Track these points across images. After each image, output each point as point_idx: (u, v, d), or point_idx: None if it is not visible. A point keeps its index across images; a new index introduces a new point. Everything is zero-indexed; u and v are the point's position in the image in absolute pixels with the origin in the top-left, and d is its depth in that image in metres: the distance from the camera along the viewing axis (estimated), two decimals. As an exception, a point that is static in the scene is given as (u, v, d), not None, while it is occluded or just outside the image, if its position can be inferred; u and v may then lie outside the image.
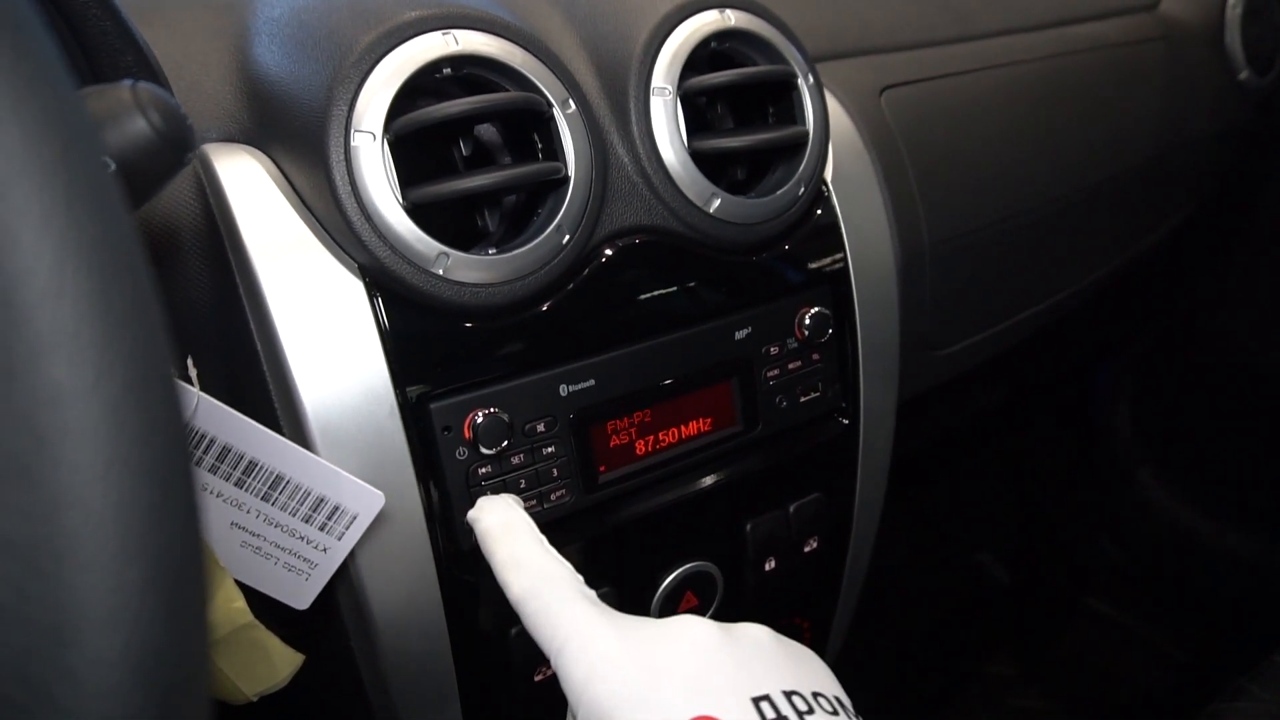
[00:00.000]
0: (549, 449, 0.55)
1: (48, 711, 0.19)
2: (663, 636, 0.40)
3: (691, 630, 0.40)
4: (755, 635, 0.41)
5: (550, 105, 0.52)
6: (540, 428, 0.54)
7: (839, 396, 0.68)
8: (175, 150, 0.35)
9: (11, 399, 0.18)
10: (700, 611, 0.65)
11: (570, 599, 0.41)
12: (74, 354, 0.19)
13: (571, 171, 0.52)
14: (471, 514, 0.47)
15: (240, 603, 0.47)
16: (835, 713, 0.38)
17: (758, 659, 0.40)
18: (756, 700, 0.37)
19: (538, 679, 0.58)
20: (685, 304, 0.60)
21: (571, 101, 0.53)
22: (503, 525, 0.46)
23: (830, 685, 0.40)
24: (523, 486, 0.54)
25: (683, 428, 0.61)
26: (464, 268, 0.50)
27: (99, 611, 0.19)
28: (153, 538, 0.20)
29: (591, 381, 0.56)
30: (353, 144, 0.47)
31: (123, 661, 0.19)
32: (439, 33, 0.49)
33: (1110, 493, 1.60)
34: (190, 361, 0.47)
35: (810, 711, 0.37)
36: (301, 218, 0.50)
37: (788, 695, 0.38)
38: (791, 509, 0.67)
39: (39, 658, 0.19)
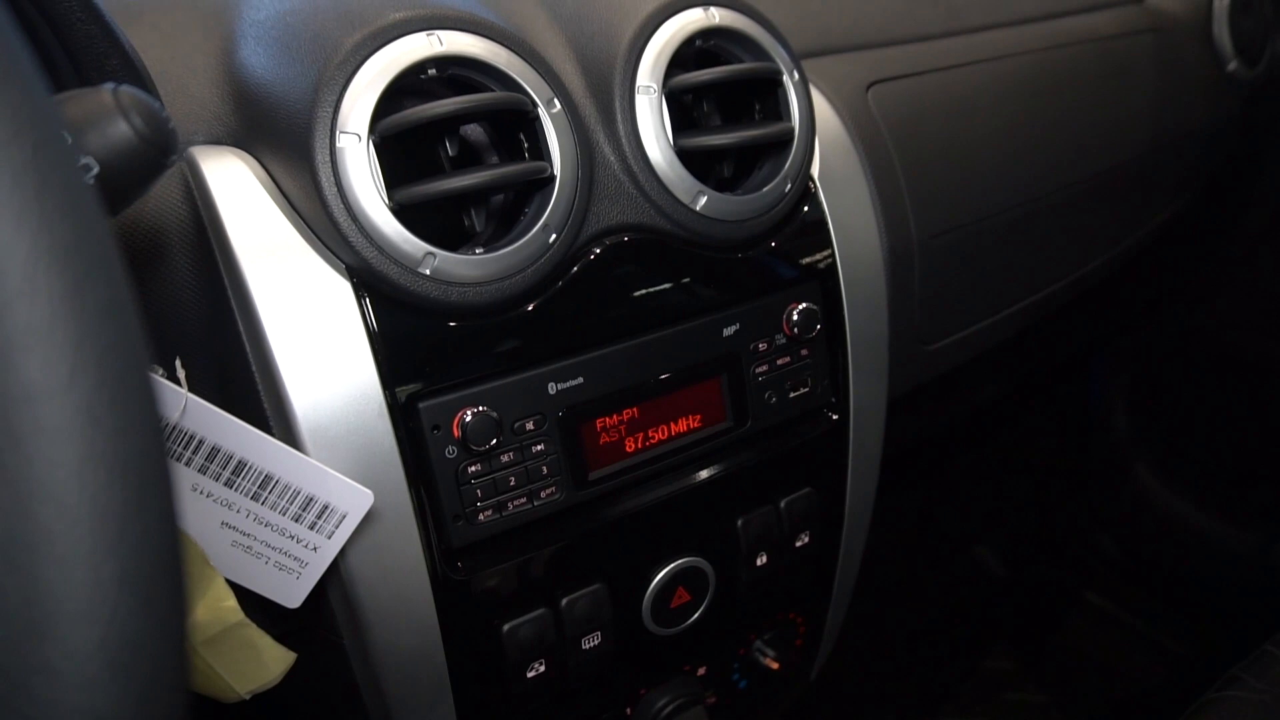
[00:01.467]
0: (538, 447, 0.55)
1: (25, 704, 0.19)
2: None
3: None
4: None
5: (535, 105, 0.52)
6: (529, 426, 0.55)
7: (828, 392, 0.68)
8: (158, 153, 0.35)
9: (-15, 398, 0.19)
10: (692, 608, 0.65)
11: None
12: (47, 352, 0.19)
13: (557, 170, 0.53)
14: None
15: (231, 602, 0.47)
16: None
17: None
18: None
19: (530, 675, 0.59)
20: (673, 301, 0.60)
21: (557, 101, 0.53)
22: None
23: None
24: (513, 484, 0.55)
25: (672, 424, 0.61)
26: (451, 267, 0.50)
27: (75, 606, 0.19)
28: (128, 533, 0.20)
29: (580, 379, 0.56)
30: (338, 145, 0.47)
31: (99, 655, 0.19)
32: (423, 34, 0.49)
33: (1107, 487, 1.60)
34: (179, 362, 0.48)
35: None
36: (288, 219, 0.50)
37: None
38: (782, 504, 0.67)
39: (15, 651, 0.19)
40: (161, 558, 0.21)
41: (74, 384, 0.19)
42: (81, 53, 0.44)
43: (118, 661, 0.20)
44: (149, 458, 0.21)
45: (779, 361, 0.64)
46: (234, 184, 0.50)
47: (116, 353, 0.20)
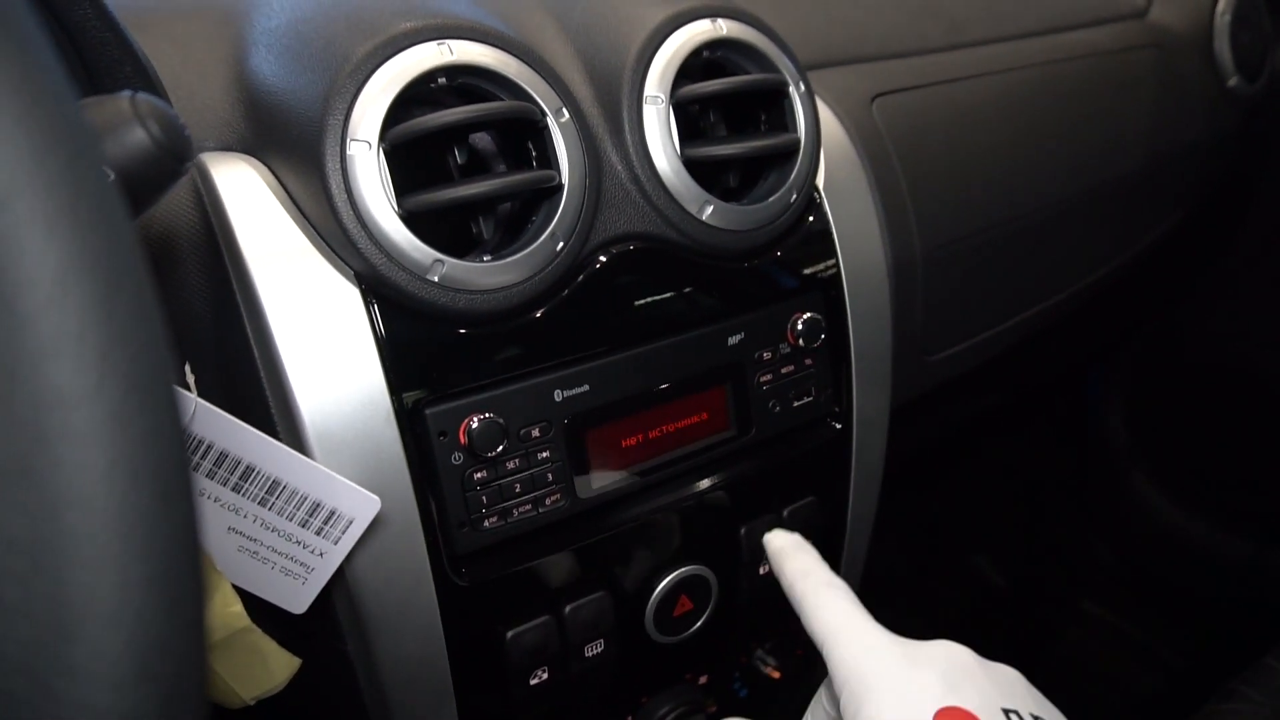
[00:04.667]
0: (544, 454, 0.55)
1: (52, 705, 0.19)
2: (922, 644, 0.46)
3: (950, 645, 0.46)
4: (1008, 671, 0.47)
5: (544, 114, 0.53)
6: (535, 433, 0.55)
7: (832, 401, 0.68)
8: (174, 160, 0.36)
9: (16, 402, 0.19)
10: (695, 616, 0.66)
11: (847, 604, 0.49)
12: (77, 359, 0.19)
13: (565, 179, 0.53)
14: (767, 537, 0.55)
15: (237, 607, 0.47)
16: None
17: (1010, 684, 0.45)
18: (1006, 710, 0.42)
19: (533, 682, 0.59)
20: (679, 310, 0.60)
21: (565, 110, 0.53)
22: (794, 544, 0.54)
23: None
24: (518, 491, 0.55)
25: (676, 433, 0.61)
26: (459, 274, 0.50)
27: (101, 609, 0.19)
28: (152, 537, 0.20)
29: (586, 387, 0.56)
30: (349, 153, 0.48)
31: (124, 657, 0.20)
32: (434, 43, 0.50)
33: (1104, 496, 1.60)
34: (188, 368, 0.48)
35: None
36: (298, 226, 0.51)
37: (1035, 718, 0.43)
38: (785, 513, 0.68)
39: (43, 653, 0.19)
40: (185, 560, 0.21)
41: (102, 390, 0.20)
42: (95, 59, 0.45)
43: (144, 663, 0.20)
44: (173, 462, 0.21)
45: (783, 371, 0.65)
46: (244, 190, 0.51)
47: (143, 359, 0.20)
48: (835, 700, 0.49)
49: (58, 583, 0.19)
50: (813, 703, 0.54)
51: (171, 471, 0.21)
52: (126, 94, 0.36)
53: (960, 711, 0.42)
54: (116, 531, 0.20)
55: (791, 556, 0.54)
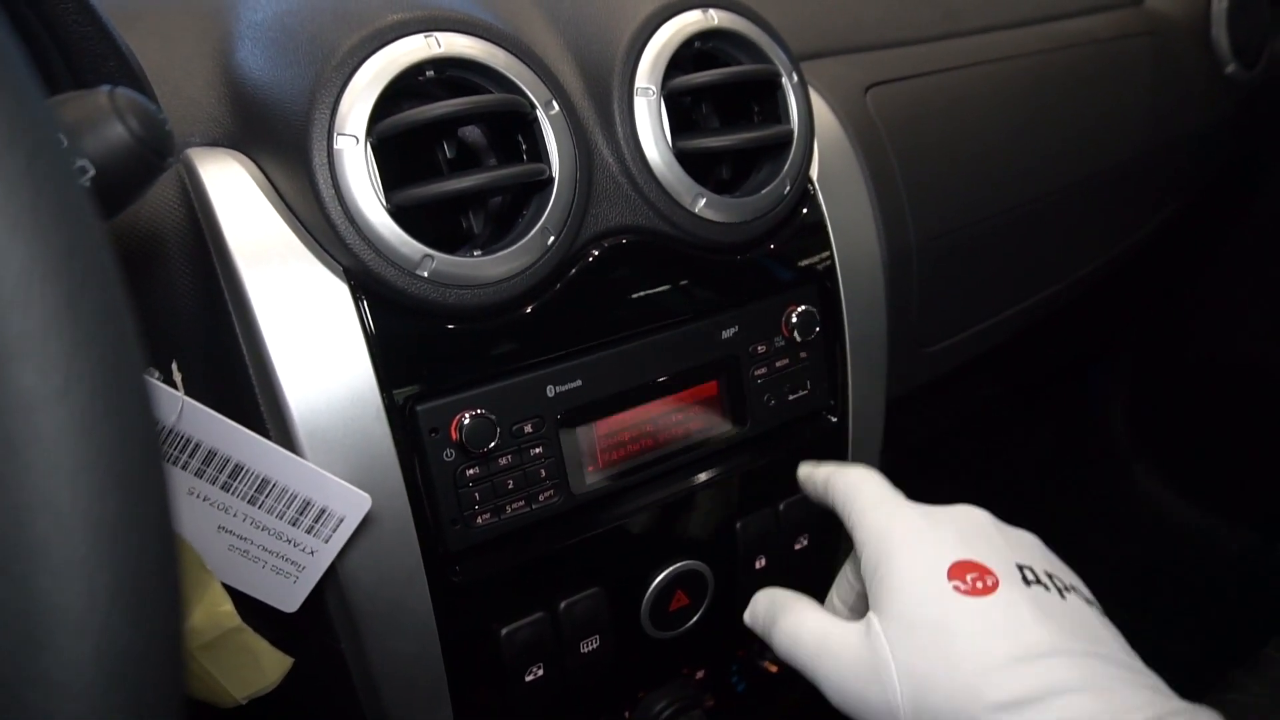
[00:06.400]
0: (536, 450, 0.55)
1: (20, 715, 0.19)
2: (942, 507, 0.48)
3: (969, 508, 0.49)
4: (1025, 534, 0.48)
5: (534, 106, 0.52)
6: (528, 429, 0.54)
7: (827, 394, 0.68)
8: (154, 155, 0.35)
9: (-20, 406, 0.18)
10: (691, 611, 0.65)
11: (865, 474, 0.51)
12: (42, 361, 0.19)
13: (556, 173, 0.52)
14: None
15: (228, 606, 0.47)
16: (1091, 604, 0.45)
17: (1027, 544, 0.47)
18: (1020, 565, 0.44)
19: (528, 679, 0.58)
20: (672, 304, 0.60)
21: (555, 102, 0.53)
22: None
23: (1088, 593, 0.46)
24: (510, 487, 0.54)
25: (671, 427, 0.61)
26: (449, 269, 0.50)
27: (70, 616, 0.19)
28: (123, 543, 0.20)
29: (579, 382, 0.56)
30: (336, 147, 0.47)
31: (94, 665, 0.19)
32: (421, 35, 0.49)
33: (1105, 488, 1.60)
34: (175, 366, 0.47)
35: (1071, 590, 0.44)
36: (286, 221, 0.50)
37: (1048, 575, 0.44)
38: (781, 507, 0.67)
39: (10, 661, 0.19)
40: (158, 565, 0.20)
41: (69, 392, 0.19)
42: (77, 54, 0.44)
43: (114, 672, 0.19)
44: (144, 465, 0.20)
45: (778, 364, 0.64)
46: (230, 186, 0.50)
47: (111, 360, 0.20)
48: (858, 572, 0.50)
49: (24, 590, 0.19)
50: (838, 577, 0.55)
51: (142, 474, 0.21)
52: (105, 89, 0.35)
53: (974, 564, 0.43)
54: (84, 537, 0.19)
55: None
